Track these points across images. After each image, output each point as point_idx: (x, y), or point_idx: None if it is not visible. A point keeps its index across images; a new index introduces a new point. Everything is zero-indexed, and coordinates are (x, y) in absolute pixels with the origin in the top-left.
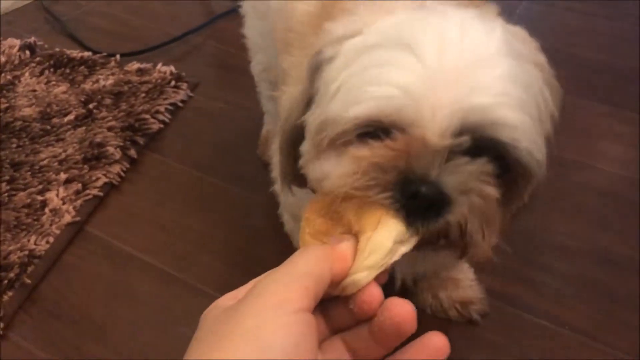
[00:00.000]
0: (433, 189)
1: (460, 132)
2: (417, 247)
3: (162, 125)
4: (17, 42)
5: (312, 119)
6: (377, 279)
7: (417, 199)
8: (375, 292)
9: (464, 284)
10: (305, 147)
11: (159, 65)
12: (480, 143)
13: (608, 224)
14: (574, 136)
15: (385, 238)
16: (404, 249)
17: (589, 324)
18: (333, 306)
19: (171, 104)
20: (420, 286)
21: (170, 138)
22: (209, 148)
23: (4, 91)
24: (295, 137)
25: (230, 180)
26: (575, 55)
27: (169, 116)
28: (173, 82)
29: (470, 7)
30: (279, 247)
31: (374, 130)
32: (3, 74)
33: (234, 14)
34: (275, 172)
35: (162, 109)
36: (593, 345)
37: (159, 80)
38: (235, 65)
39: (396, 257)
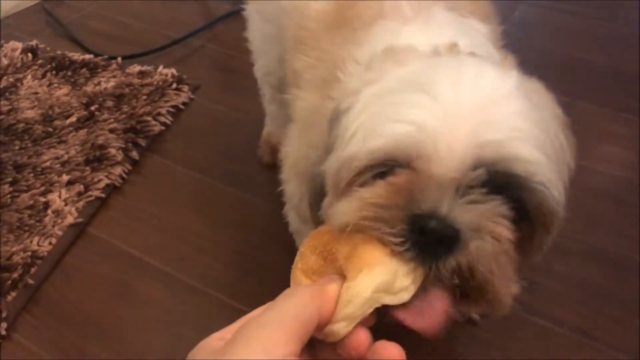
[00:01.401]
0: (442, 224)
1: (474, 167)
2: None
3: (163, 128)
4: (19, 45)
5: (330, 164)
6: (365, 322)
7: (424, 234)
8: (362, 338)
9: None
10: (325, 200)
11: (160, 68)
12: (496, 182)
13: (607, 225)
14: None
15: (364, 288)
16: (388, 300)
17: (587, 324)
18: (321, 345)
19: (172, 106)
20: None
21: (172, 140)
22: (210, 150)
23: (7, 94)
24: (319, 189)
25: (231, 182)
26: (573, 57)
27: (171, 118)
28: (174, 85)
29: (469, 10)
30: (279, 249)
31: (390, 169)
32: (5, 77)
33: (233, 16)
34: (286, 173)
35: (163, 111)
36: (591, 345)
37: (161, 83)
38: (235, 67)
39: (377, 304)
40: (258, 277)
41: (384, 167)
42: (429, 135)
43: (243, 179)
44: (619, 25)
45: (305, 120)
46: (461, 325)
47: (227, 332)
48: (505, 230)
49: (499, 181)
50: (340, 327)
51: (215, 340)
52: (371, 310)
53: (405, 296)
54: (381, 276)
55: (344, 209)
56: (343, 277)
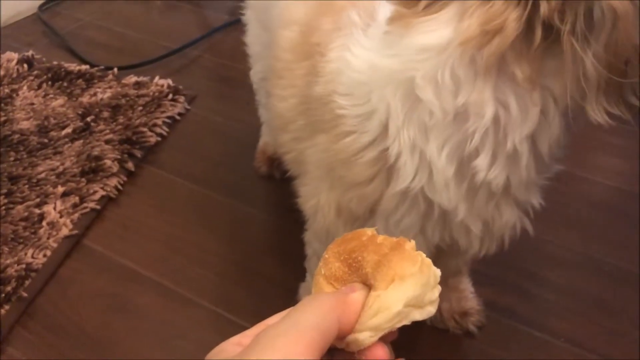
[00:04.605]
0: None
1: None
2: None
3: (159, 138)
4: (15, 56)
5: None
6: (386, 337)
7: None
8: (380, 354)
9: (465, 294)
10: None
11: (157, 79)
12: None
13: (605, 237)
14: (570, 148)
15: (395, 300)
16: (418, 315)
17: (585, 336)
18: (339, 353)
19: (169, 117)
20: None
21: (168, 151)
22: (206, 161)
23: (2, 104)
24: None
25: (227, 193)
26: None
27: (167, 129)
28: (170, 95)
29: None
30: (276, 260)
31: None
32: (1, 87)
33: (230, 27)
34: (322, 229)
35: (159, 122)
36: (589, 358)
37: (157, 94)
38: (232, 78)
39: (406, 321)
40: (254, 289)
41: None
42: None
43: (239, 189)
44: None
45: (326, 166)
46: (459, 337)
47: (245, 337)
48: None
49: None
50: (365, 337)
51: (232, 345)
52: (399, 325)
53: (431, 310)
54: (413, 289)
55: None
56: (366, 286)
